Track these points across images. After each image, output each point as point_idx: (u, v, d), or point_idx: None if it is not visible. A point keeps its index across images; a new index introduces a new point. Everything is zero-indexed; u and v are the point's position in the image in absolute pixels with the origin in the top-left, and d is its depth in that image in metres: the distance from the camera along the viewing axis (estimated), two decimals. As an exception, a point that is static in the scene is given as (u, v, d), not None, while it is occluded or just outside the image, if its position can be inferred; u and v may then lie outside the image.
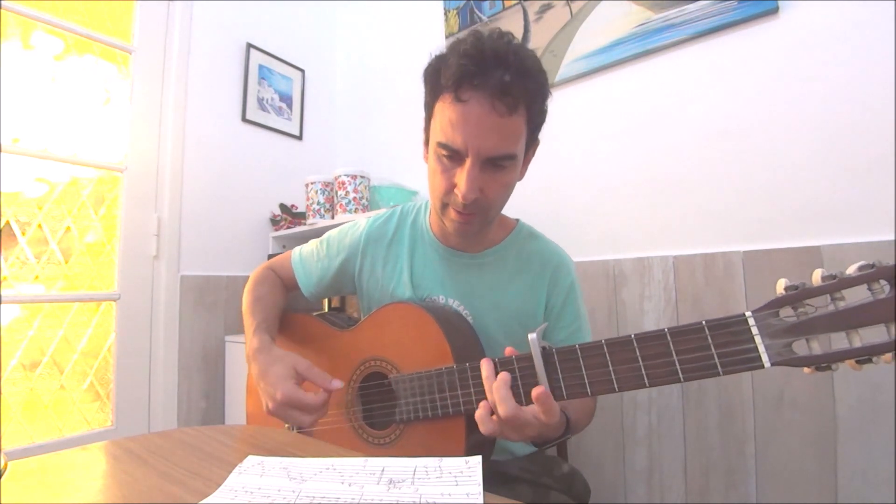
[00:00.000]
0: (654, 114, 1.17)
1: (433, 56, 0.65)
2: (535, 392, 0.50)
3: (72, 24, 1.41)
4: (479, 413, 0.54)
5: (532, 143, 0.69)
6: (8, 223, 1.27)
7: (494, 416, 0.53)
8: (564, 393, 0.52)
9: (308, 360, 0.65)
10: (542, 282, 0.76)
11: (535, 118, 0.65)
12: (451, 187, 0.65)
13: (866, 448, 0.85)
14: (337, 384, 0.62)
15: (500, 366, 0.56)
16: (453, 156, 0.63)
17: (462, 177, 0.62)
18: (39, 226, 1.33)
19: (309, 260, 0.87)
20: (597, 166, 1.26)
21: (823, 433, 0.89)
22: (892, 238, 0.85)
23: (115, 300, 1.45)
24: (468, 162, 0.61)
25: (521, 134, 0.63)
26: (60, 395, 1.34)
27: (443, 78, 0.62)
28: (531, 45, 1.38)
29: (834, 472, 0.88)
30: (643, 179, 1.17)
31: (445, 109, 0.62)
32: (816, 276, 0.41)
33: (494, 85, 0.58)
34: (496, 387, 0.53)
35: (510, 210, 0.82)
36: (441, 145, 0.63)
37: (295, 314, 0.85)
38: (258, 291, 0.83)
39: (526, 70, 0.60)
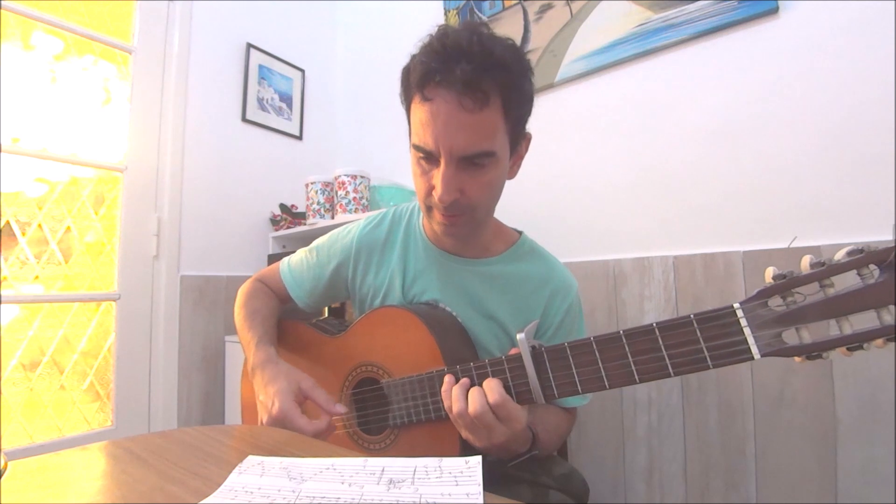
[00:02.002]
0: (654, 114, 1.17)
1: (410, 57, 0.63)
2: (492, 399, 0.53)
3: (72, 24, 1.41)
4: (446, 404, 0.56)
5: (519, 137, 0.66)
6: (8, 223, 1.27)
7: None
8: (555, 391, 0.52)
9: (313, 379, 0.64)
10: (537, 303, 0.74)
11: (514, 111, 0.61)
12: (430, 189, 0.63)
13: (866, 448, 0.85)
14: (340, 409, 0.62)
15: (490, 366, 0.56)
16: (429, 157, 0.61)
17: (438, 178, 0.60)
18: (39, 226, 1.33)
19: (299, 269, 0.85)
20: (597, 166, 1.26)
21: (823, 433, 0.89)
22: (892, 238, 0.85)
23: (115, 300, 1.45)
24: (442, 162, 0.59)
25: (496, 129, 0.59)
26: (60, 395, 1.34)
27: (411, 78, 0.60)
28: (531, 45, 1.38)
29: (834, 472, 0.88)
30: (643, 179, 1.17)
31: (416, 110, 0.61)
32: (805, 264, 0.40)
33: (458, 79, 0.55)
34: (467, 385, 0.55)
35: (509, 210, 0.82)
36: (416, 147, 0.62)
37: (285, 322, 0.84)
38: (252, 305, 0.81)
39: (494, 60, 0.56)
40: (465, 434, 0.56)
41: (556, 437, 0.71)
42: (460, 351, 0.67)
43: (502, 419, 0.53)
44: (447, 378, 0.57)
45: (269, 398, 0.61)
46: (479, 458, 0.42)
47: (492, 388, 0.53)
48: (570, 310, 0.76)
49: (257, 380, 0.67)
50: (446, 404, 0.56)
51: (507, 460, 0.61)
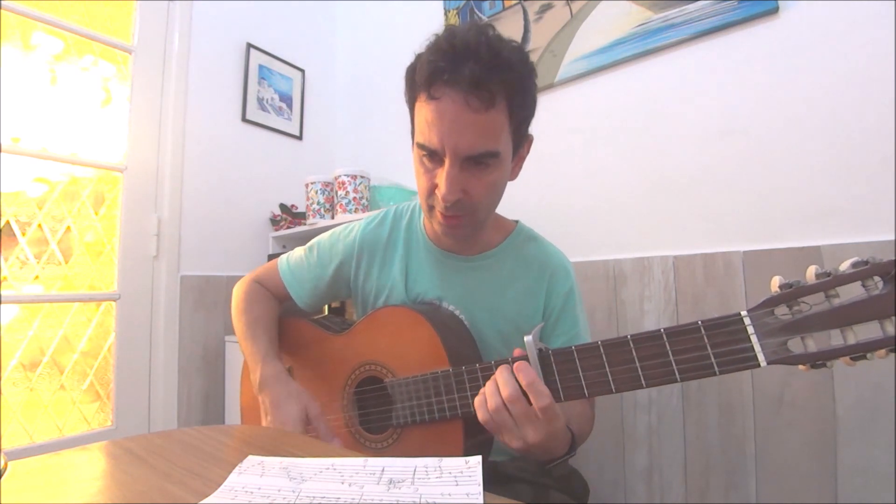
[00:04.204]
0: (654, 114, 1.17)
1: (415, 56, 0.63)
2: (524, 381, 0.50)
3: (72, 24, 1.41)
4: (479, 399, 0.53)
5: (522, 139, 0.66)
6: (8, 223, 1.27)
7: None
8: (562, 395, 0.52)
9: (319, 407, 0.65)
10: (539, 287, 0.74)
11: (519, 112, 0.61)
12: (433, 188, 0.63)
13: (866, 448, 0.85)
14: (337, 444, 0.62)
15: (496, 367, 0.55)
16: (433, 156, 0.61)
17: (442, 177, 0.60)
18: (39, 226, 1.33)
19: (299, 269, 0.84)
20: (597, 166, 1.26)
21: (823, 433, 0.89)
22: (893, 238, 0.85)
23: (115, 300, 1.45)
24: (447, 162, 0.59)
25: (501, 130, 0.60)
26: (60, 395, 1.34)
27: (417, 77, 0.60)
28: (531, 45, 1.38)
29: (834, 472, 0.88)
30: (643, 179, 1.17)
31: (422, 109, 0.60)
32: (811, 274, 0.41)
33: (466, 79, 0.55)
34: (497, 373, 0.52)
35: (509, 210, 0.82)
36: (420, 146, 0.62)
37: (288, 319, 0.84)
38: (254, 311, 0.80)
39: (501, 61, 0.56)
40: (503, 431, 0.52)
41: (587, 426, 0.70)
42: (465, 351, 0.67)
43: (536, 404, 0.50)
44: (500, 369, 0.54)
45: (281, 424, 0.62)
46: (478, 459, 0.42)
47: (520, 368, 0.51)
48: (572, 291, 0.76)
49: (265, 398, 0.67)
50: (481, 402, 0.53)
51: (546, 462, 0.57)
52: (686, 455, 1.05)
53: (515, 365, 0.52)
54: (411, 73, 0.62)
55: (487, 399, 0.52)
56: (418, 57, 0.62)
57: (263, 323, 0.78)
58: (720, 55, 1.07)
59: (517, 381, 0.51)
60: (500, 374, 0.52)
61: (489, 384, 0.53)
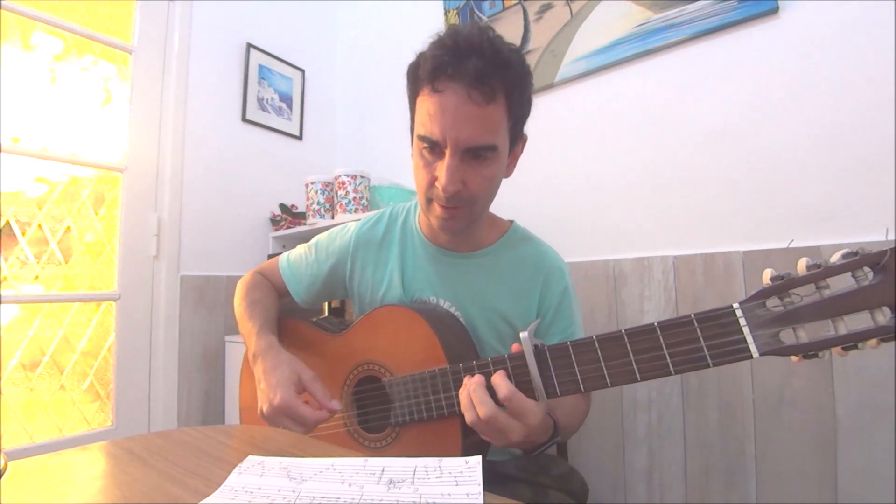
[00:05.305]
0: (654, 114, 1.17)
1: (416, 54, 0.65)
2: (500, 394, 0.51)
3: (72, 24, 1.41)
4: (464, 403, 0.54)
5: (517, 137, 0.69)
6: (8, 223, 1.27)
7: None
8: (558, 390, 0.52)
9: (314, 372, 0.65)
10: (534, 286, 0.75)
11: (517, 109, 0.64)
12: (432, 181, 0.64)
13: (866, 448, 0.85)
14: (336, 405, 0.62)
15: (492, 364, 0.56)
16: (433, 148, 0.63)
17: (442, 168, 0.62)
18: (39, 226, 1.33)
19: (298, 265, 0.86)
20: (597, 166, 1.26)
21: (823, 433, 0.89)
22: (893, 238, 0.85)
23: (115, 300, 1.45)
24: (447, 153, 0.61)
25: (500, 124, 0.62)
26: (60, 395, 1.34)
27: (420, 71, 0.62)
28: (531, 45, 1.38)
29: (834, 472, 0.88)
30: (643, 179, 1.17)
31: (424, 102, 0.62)
32: (801, 266, 0.41)
33: (469, 73, 0.57)
34: (472, 389, 0.53)
35: (510, 209, 0.83)
36: (421, 138, 0.63)
37: (286, 320, 0.84)
38: (253, 296, 0.82)
39: (502, 59, 0.59)
40: (484, 436, 0.54)
41: (576, 419, 0.70)
42: (462, 348, 0.68)
43: (514, 415, 0.51)
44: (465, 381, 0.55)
45: (272, 388, 0.62)
46: (478, 458, 0.42)
47: (499, 383, 0.52)
48: (566, 292, 0.76)
49: (258, 367, 0.67)
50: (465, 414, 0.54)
51: (529, 451, 0.59)
52: (686, 455, 1.05)
53: (493, 378, 0.53)
54: (414, 68, 0.64)
55: (466, 413, 0.53)
56: (421, 54, 0.63)
57: (262, 305, 0.80)
58: (720, 55, 1.07)
59: (495, 393, 0.52)
60: (475, 394, 0.52)
61: (466, 396, 0.53)
